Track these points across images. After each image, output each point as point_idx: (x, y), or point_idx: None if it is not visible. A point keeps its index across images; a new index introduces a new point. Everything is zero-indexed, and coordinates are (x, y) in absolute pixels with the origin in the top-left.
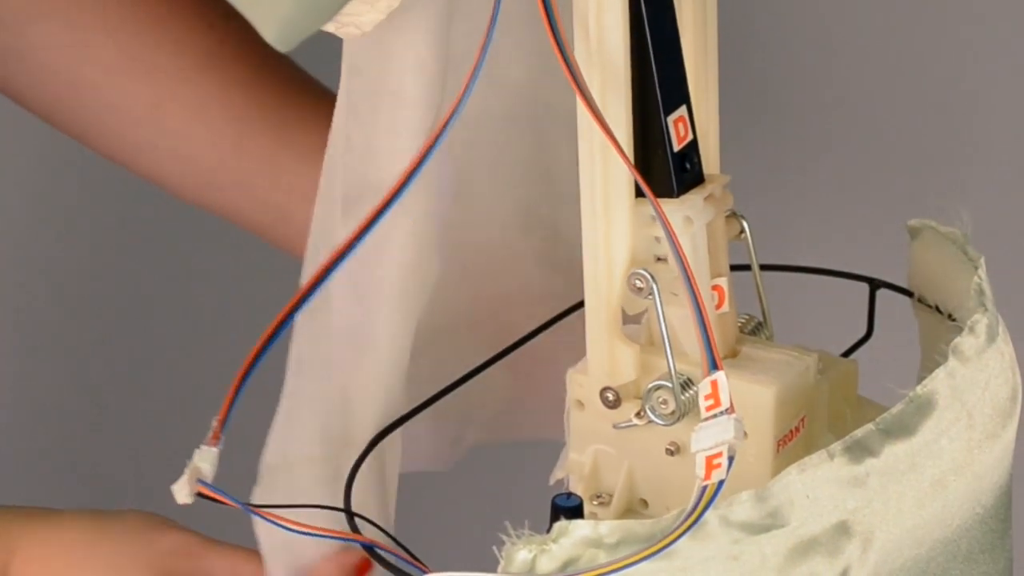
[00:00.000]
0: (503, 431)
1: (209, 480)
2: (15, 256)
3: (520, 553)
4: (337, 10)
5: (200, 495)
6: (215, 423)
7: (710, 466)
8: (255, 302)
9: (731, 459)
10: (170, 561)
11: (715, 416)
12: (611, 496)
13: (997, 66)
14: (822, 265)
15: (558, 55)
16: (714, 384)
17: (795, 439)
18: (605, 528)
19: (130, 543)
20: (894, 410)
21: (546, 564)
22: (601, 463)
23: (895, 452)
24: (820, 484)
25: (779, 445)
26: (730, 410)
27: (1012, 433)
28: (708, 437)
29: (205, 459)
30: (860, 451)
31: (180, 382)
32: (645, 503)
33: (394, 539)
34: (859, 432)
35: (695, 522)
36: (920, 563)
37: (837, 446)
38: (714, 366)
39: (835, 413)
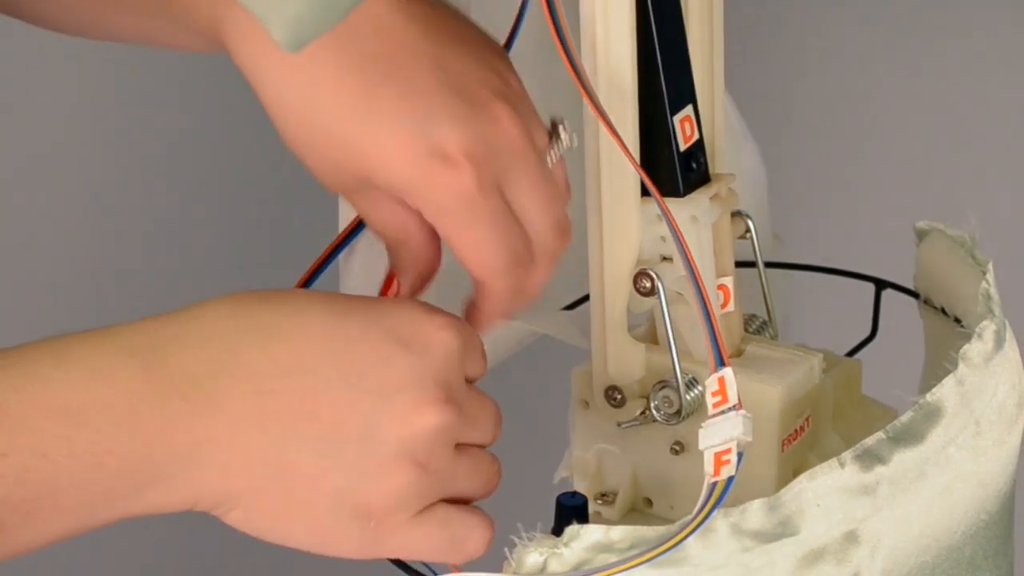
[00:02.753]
0: None
1: None
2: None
3: (531, 556)
4: (349, 9)
5: None
6: None
7: (719, 463)
8: None
9: (740, 455)
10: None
11: (723, 412)
12: (615, 494)
13: (1006, 68)
14: (827, 265)
15: (562, 54)
16: (721, 381)
17: (800, 438)
18: (617, 534)
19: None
20: (903, 418)
21: (557, 567)
22: (605, 461)
23: (904, 460)
24: (831, 492)
25: (784, 444)
26: (738, 406)
27: (1017, 439)
28: (716, 434)
29: None
30: (870, 459)
31: None
32: (649, 502)
33: None
34: (869, 440)
35: (706, 518)
36: (926, 570)
37: (848, 454)
38: (721, 363)
39: (839, 412)
